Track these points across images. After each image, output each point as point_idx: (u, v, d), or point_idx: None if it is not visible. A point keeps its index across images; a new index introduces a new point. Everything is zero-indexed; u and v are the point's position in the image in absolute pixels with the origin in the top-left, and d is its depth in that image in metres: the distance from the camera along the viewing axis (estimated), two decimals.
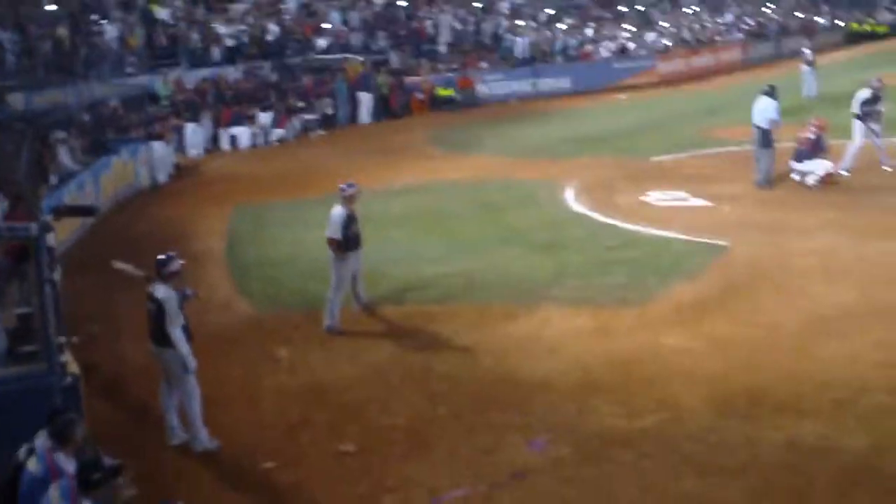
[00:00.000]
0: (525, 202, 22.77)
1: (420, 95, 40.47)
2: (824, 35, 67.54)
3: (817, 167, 22.40)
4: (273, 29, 41.10)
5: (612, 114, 38.29)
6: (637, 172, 25.36)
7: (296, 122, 35.40)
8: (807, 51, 40.54)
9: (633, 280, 16.32)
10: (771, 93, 23.02)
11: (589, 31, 52.24)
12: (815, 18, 70.23)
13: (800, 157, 22.66)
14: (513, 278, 16.97)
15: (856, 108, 23.84)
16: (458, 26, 48.20)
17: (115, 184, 25.87)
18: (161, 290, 11.69)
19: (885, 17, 76.64)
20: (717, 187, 22.87)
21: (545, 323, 14.78)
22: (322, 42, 42.03)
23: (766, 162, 22.59)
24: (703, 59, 53.75)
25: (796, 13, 69.29)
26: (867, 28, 72.99)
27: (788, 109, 31.60)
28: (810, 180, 22.34)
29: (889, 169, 23.73)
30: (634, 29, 54.41)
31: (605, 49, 50.15)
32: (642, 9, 59.57)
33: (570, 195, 23.05)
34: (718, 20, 61.38)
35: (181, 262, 12.02)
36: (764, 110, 22.63)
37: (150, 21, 38.21)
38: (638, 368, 12.91)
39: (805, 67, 38.97)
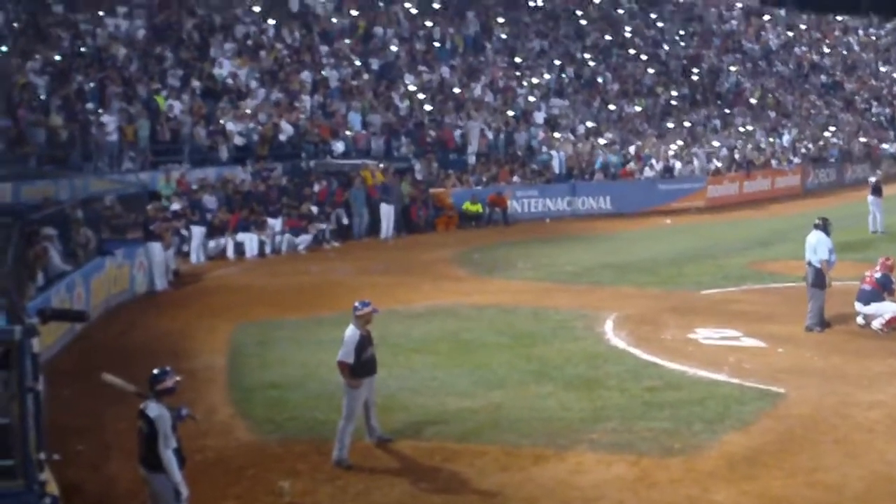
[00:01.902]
0: (559, 333, 22.83)
1: (449, 213, 40.96)
2: (891, 162, 67.99)
3: (884, 310, 22.44)
4: (287, 128, 41.70)
5: (657, 239, 38.56)
6: (684, 306, 25.52)
7: (308, 232, 35.68)
8: (873, 179, 40.74)
9: (678, 426, 16.27)
10: (824, 227, 23.09)
11: (632, 148, 52.75)
12: (882, 144, 70.72)
13: (865, 298, 22.71)
14: (544, 417, 16.94)
15: None
16: (490, 135, 48.74)
17: (108, 288, 26.07)
18: (154, 409, 11.72)
19: None
20: (771, 327, 22.94)
21: (579, 469, 14.71)
22: (339, 145, 42.61)
23: (818, 303, 22.67)
24: (756, 184, 54.12)
25: (861, 138, 69.78)
26: None
27: (854, 245, 31.96)
28: (876, 325, 22.38)
29: None
30: (682, 147, 54.89)
31: (650, 168, 50.58)
32: (690, 125, 60.12)
33: (609, 327, 23.15)
34: (775, 142, 61.90)
35: (177, 378, 12.07)
36: (815, 246, 22.76)
37: (153, 113, 38.77)
38: None
39: (871, 198, 39.16)
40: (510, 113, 52.20)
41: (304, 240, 35.36)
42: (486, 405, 17.51)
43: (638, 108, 59.94)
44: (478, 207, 41.92)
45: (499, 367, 20.06)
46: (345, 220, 37.80)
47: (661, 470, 14.56)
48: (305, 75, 46.47)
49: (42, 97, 37.29)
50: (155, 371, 11.96)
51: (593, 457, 15.12)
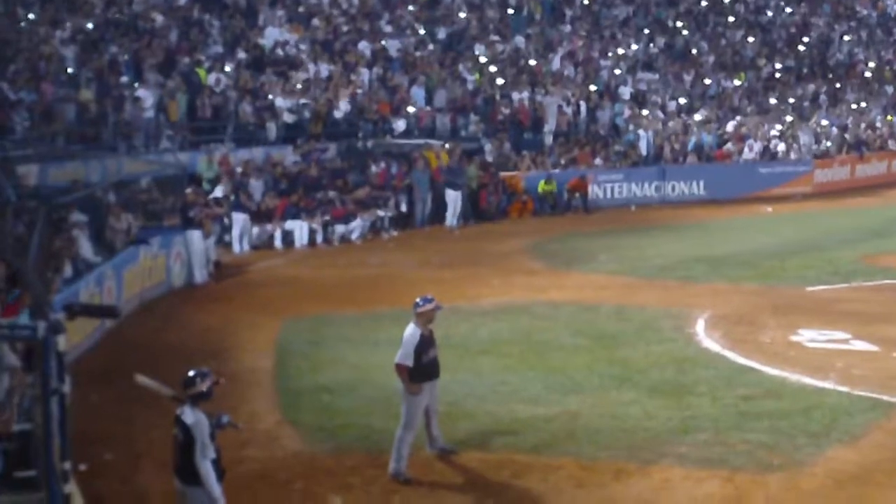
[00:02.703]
0: (644, 334, 22.76)
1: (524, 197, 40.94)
2: None
3: None
4: (342, 104, 41.85)
5: (756, 230, 38.29)
6: (786, 304, 25.33)
7: (365, 219, 35.81)
8: None
9: (778, 439, 16.14)
10: None
11: (730, 127, 52.34)
12: None
13: None
14: (626, 427, 16.89)
15: None
16: (569, 112, 48.58)
17: (143, 281, 26.32)
18: (190, 415, 11.77)
19: None
20: (885, 328, 22.75)
21: (665, 486, 14.65)
22: (400, 123, 42.69)
23: None
24: (871, 168, 53.56)
25: None
26: None
27: None
28: None
29: None
30: (786, 126, 54.41)
31: (750, 149, 50.18)
32: (796, 102, 59.56)
33: (700, 328, 23.05)
34: (893, 120, 61.17)
35: (215, 380, 12.11)
36: None
37: (194, 87, 39.04)
38: None
39: None
40: (592, 88, 52.00)
41: (356, 227, 35.36)
42: (561, 413, 17.49)
43: (737, 83, 59.49)
44: (552, 187, 41.86)
45: (576, 371, 20.01)
46: (404, 207, 37.90)
47: (759, 488, 14.45)
48: (363, 46, 46.60)
49: (71, 70, 37.59)
50: (190, 372, 12.01)
51: (681, 472, 15.04)
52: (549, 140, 46.51)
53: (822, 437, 16.17)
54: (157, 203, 30.74)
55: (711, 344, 21.78)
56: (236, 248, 32.80)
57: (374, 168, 38.61)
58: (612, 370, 19.98)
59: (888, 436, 16.33)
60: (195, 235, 28.81)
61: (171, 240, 28.36)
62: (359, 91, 43.39)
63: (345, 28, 47.75)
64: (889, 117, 60.34)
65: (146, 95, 37.06)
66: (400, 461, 15.07)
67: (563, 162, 44.37)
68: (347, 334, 22.83)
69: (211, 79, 39.77)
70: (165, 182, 32.12)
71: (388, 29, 49.18)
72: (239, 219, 33.08)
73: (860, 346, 21.55)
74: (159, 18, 42.32)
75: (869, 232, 36.72)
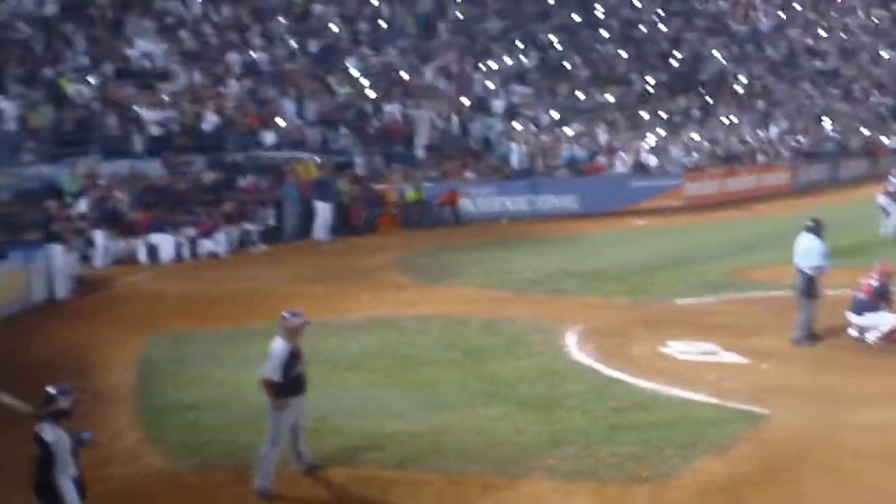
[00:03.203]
0: (514, 348, 22.83)
1: (391, 211, 40.95)
2: (892, 159, 68.37)
3: (880, 322, 22.63)
4: (210, 117, 41.51)
5: (627, 243, 38.67)
6: (656, 317, 25.58)
7: (233, 234, 35.52)
8: (894, 179, 40.89)
9: (647, 451, 16.28)
10: (816, 229, 23.17)
11: (602, 141, 52.85)
12: (882, 138, 71.17)
13: (859, 308, 22.90)
14: (495, 441, 16.92)
15: None
16: (441, 126, 48.70)
17: (2, 296, 25.82)
18: (49, 432, 11.60)
19: None
20: (754, 340, 23.07)
21: (534, 499, 14.72)
22: (270, 136, 42.43)
23: (807, 314, 22.79)
24: (741, 182, 54.43)
25: (861, 129, 70.20)
26: None
27: (850, 250, 32.16)
28: (871, 337, 22.57)
29: None
30: (658, 140, 55.06)
31: (621, 163, 50.70)
32: (668, 116, 60.31)
33: (571, 341, 23.16)
34: (762, 134, 62.21)
35: (76, 397, 11.94)
36: (807, 252, 22.87)
37: (58, 98, 38.45)
38: None
39: (883, 199, 39.41)
40: (465, 101, 52.23)
41: (224, 241, 34.91)
42: (430, 429, 17.48)
43: (609, 97, 60.11)
44: (419, 195, 41.93)
45: (445, 385, 20.05)
46: (274, 221, 37.67)
47: (626, 500, 14.60)
48: (233, 57, 46.28)
49: None
50: (50, 389, 11.82)
51: (550, 485, 15.12)
52: (420, 153, 46.57)
53: (690, 449, 16.33)
54: (17, 217, 30.27)
55: (581, 357, 21.91)
56: (98, 262, 32.31)
57: (242, 181, 38.37)
58: (482, 384, 20.01)
59: (756, 447, 16.54)
60: (57, 250, 28.38)
61: (33, 254, 27.89)
62: (228, 103, 43.12)
63: (214, 40, 47.37)
64: (758, 132, 61.40)
65: (7, 107, 36.48)
66: (265, 477, 14.97)
67: (434, 175, 44.45)
68: (215, 351, 22.63)
69: (75, 90, 39.21)
70: (27, 195, 31.68)
71: (259, 41, 48.91)
72: (101, 232, 32.62)
73: (729, 358, 21.82)
74: (24, 28, 41.66)
75: (738, 245, 37.25)
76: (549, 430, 17.32)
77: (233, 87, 44.47)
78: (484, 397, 19.22)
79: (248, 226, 36.30)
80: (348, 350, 22.35)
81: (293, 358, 15.24)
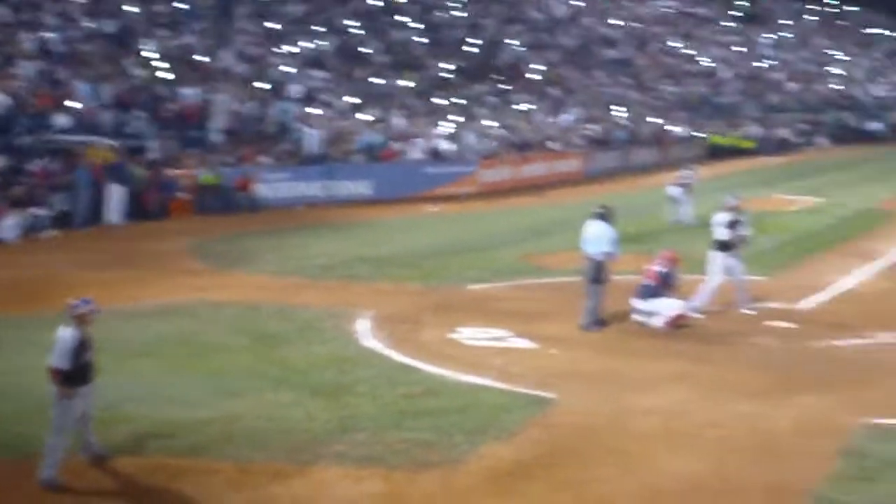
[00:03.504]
0: (306, 334, 22.70)
1: (182, 195, 40.40)
2: (680, 147, 70.19)
3: (665, 307, 23.10)
4: (0, 99, 40.40)
5: (421, 229, 38.90)
6: (447, 303, 25.72)
7: (21, 218, 34.64)
8: (687, 171, 41.73)
9: (436, 437, 16.29)
10: (606, 216, 23.49)
11: (398, 127, 52.94)
12: (670, 127, 72.81)
13: (644, 294, 23.32)
14: (285, 428, 16.75)
15: (719, 234, 24.70)
16: (238, 110, 48.26)
17: None
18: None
19: (751, 130, 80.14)
20: (543, 326, 23.33)
21: (323, 487, 14.62)
22: (63, 119, 41.49)
23: (595, 300, 23.11)
24: (534, 168, 55.08)
25: (649, 119, 71.68)
26: (731, 141, 76.23)
27: (638, 236, 32.89)
28: (656, 323, 22.99)
29: (749, 312, 24.66)
30: (453, 127, 55.36)
31: (417, 149, 50.85)
32: (464, 102, 60.66)
33: (362, 327, 23.12)
34: (556, 122, 63.02)
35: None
36: (596, 238, 23.18)
37: None
38: None
39: (674, 189, 40.24)
40: (262, 85, 51.83)
41: (12, 226, 34.08)
42: (220, 416, 17.25)
43: (406, 83, 60.25)
44: (215, 179, 41.56)
45: (236, 372, 19.80)
46: (65, 206, 36.86)
47: (414, 486, 14.56)
48: (25, 37, 45.14)
49: None
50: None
51: (339, 471, 15.03)
52: (216, 138, 46.07)
53: (479, 434, 16.40)
54: None
55: (373, 343, 21.87)
56: None
57: (32, 165, 37.48)
58: (273, 371, 19.82)
59: (544, 431, 16.70)
60: None
61: None
62: (19, 84, 42.07)
63: (6, 18, 46.18)
64: (552, 119, 62.14)
65: None
66: (52, 467, 14.58)
67: (230, 160, 44.02)
68: (1, 338, 22.05)
69: None
70: None
71: (53, 21, 47.82)
72: None
73: (519, 343, 22.01)
74: None
75: (530, 231, 37.72)
76: (339, 417, 17.23)
77: (24, 67, 43.40)
78: (274, 384, 19.03)
79: (38, 211, 35.46)
80: (140, 337, 21.89)
81: (82, 346, 14.88)
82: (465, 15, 73.90)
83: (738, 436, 16.62)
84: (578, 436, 16.55)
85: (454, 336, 22.47)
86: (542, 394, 18.41)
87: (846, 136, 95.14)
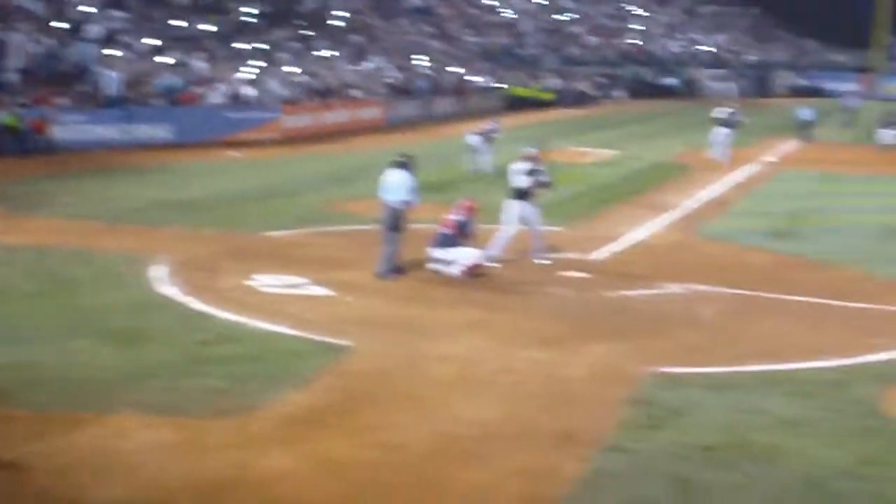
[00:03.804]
0: (102, 280, 22.39)
1: None
2: (481, 98, 70.79)
3: (462, 256, 23.34)
4: None
5: (223, 175, 38.62)
6: (245, 250, 25.65)
7: None
8: (493, 124, 42.06)
9: (232, 385, 16.26)
10: (406, 164, 23.59)
11: (200, 69, 52.29)
12: (471, 77, 73.30)
13: (442, 242, 23.52)
14: (81, 376, 16.50)
15: (517, 182, 25.01)
16: (35, 50, 47.10)
17: None
18: None
19: (551, 82, 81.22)
20: (342, 273, 23.41)
21: (120, 434, 14.47)
22: None
23: (392, 248, 23.28)
24: (336, 116, 55.02)
25: (450, 68, 72.03)
26: (531, 93, 77.15)
27: (436, 185, 33.13)
28: (453, 271, 23.24)
29: (544, 262, 25.08)
30: (256, 72, 54.89)
31: (218, 94, 50.33)
32: (266, 48, 60.17)
33: (159, 273, 22.89)
34: (358, 69, 62.94)
35: None
36: (396, 186, 23.28)
37: None
38: (230, 496, 12.83)
39: (474, 139, 40.57)
40: (60, 25, 50.64)
41: None
42: (15, 363, 16.91)
43: (208, 27, 59.48)
44: (15, 120, 40.53)
45: (30, 318, 19.41)
46: None
47: (210, 433, 14.51)
48: None
49: None
50: None
51: (137, 420, 14.86)
52: (13, 78, 44.95)
53: (274, 382, 16.40)
54: None
55: (170, 290, 21.65)
56: None
57: None
58: (67, 318, 19.46)
59: (339, 378, 16.78)
60: None
61: None
62: None
63: None
64: (354, 66, 61.95)
65: None
66: None
67: (26, 101, 43.00)
68: None
69: None
70: None
71: None
72: None
73: (316, 290, 22.05)
74: None
75: (332, 178, 37.77)
76: (135, 364, 17.05)
77: None
78: (70, 330, 18.71)
79: None
80: None
81: None
82: None
83: (532, 383, 16.92)
84: (374, 383, 16.65)
85: (251, 283, 22.39)
86: (338, 341, 18.47)
87: (643, 90, 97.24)
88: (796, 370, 18.06)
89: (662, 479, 13.46)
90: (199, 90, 49.90)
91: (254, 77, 53.95)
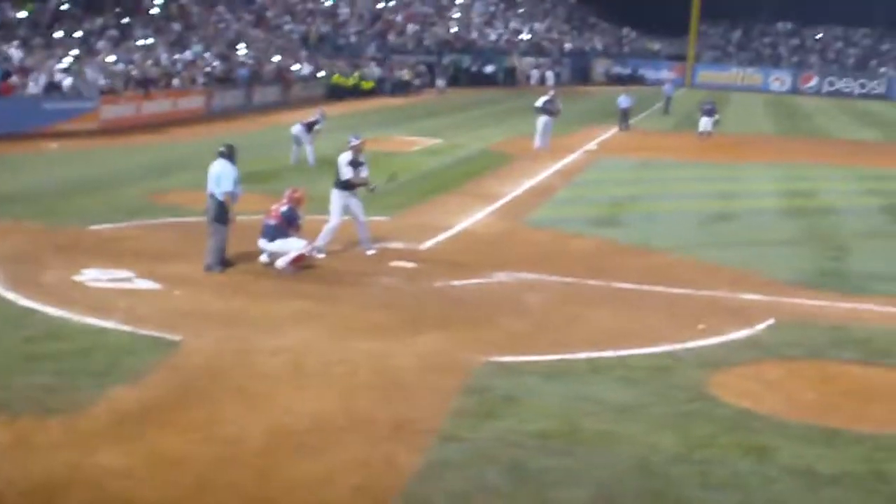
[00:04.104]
0: None
1: None
2: (303, 87, 70.59)
3: (290, 247, 23.26)
4: None
5: (42, 167, 37.82)
6: (70, 243, 25.14)
7: None
8: (319, 116, 41.82)
9: (62, 382, 15.97)
10: (229, 155, 23.40)
11: (15, 58, 51.11)
12: (293, 66, 73.01)
13: (269, 234, 23.41)
14: None
15: (342, 173, 25.00)
16: None
17: None
18: None
19: (373, 71, 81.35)
20: (170, 267, 23.14)
21: None
22: None
23: (219, 240, 23.10)
24: (157, 105, 54.33)
25: (274, 58, 71.64)
26: (352, 82, 77.21)
27: (261, 175, 32.97)
28: (281, 263, 23.15)
29: (372, 252, 25.14)
30: (72, 60, 53.81)
31: (34, 83, 49.26)
32: (83, 35, 59.04)
33: None
34: (178, 58, 62.17)
35: None
36: (219, 176, 23.08)
37: None
38: (61, 497, 12.62)
39: (298, 128, 40.38)
40: None
41: None
42: None
43: (25, 14, 58.17)
44: None
45: None
46: None
47: (40, 432, 14.23)
48: None
49: None
50: None
51: None
52: None
53: (104, 378, 16.16)
54: None
55: None
56: None
57: None
58: None
59: (170, 373, 16.63)
60: None
61: None
62: None
63: None
64: (174, 55, 61.28)
65: None
66: None
67: None
68: None
69: None
70: None
71: None
72: None
73: (143, 284, 21.77)
74: None
75: (154, 169, 37.28)
76: None
77: None
78: None
79: None
80: None
81: None
82: None
83: (365, 374, 16.98)
84: (205, 377, 16.55)
85: (77, 278, 21.99)
86: (168, 336, 18.30)
87: (463, 78, 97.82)
88: (625, 357, 18.47)
89: (498, 466, 13.65)
90: (14, 80, 48.71)
91: (70, 66, 52.86)
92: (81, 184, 33.55)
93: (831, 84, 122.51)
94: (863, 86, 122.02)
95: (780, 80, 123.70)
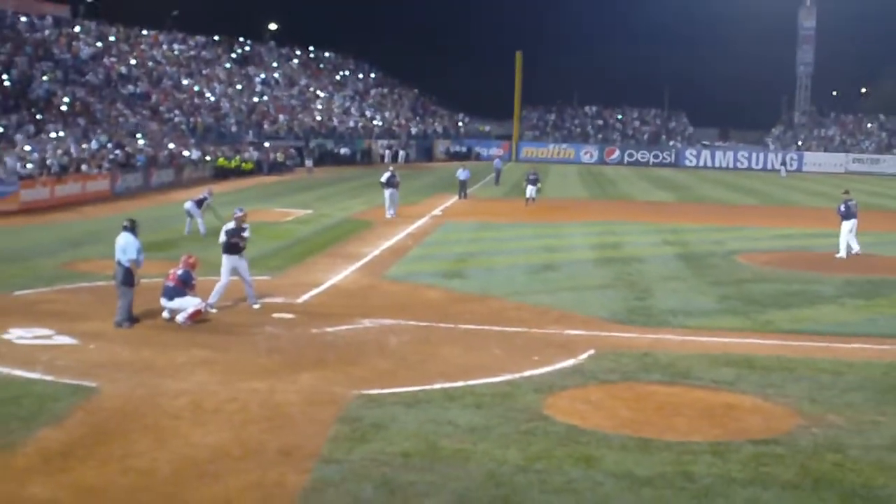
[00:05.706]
0: None
1: None
2: (193, 169, 70.19)
3: (187, 304, 23.11)
4: None
5: None
6: None
7: None
8: (207, 194, 41.34)
9: None
10: (132, 228, 23.19)
11: None
12: (184, 152, 72.59)
13: (169, 293, 23.27)
14: None
15: (226, 240, 24.94)
16: None
17: None
18: None
19: (251, 154, 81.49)
20: (84, 324, 22.75)
21: None
22: None
23: (126, 300, 22.80)
24: (68, 188, 53.45)
25: (168, 146, 71.21)
26: (234, 164, 77.06)
27: (160, 244, 32.60)
28: (180, 318, 22.95)
29: (257, 306, 25.02)
30: None
31: None
32: (2, 130, 58.00)
33: None
34: (85, 147, 61.33)
35: None
36: (125, 246, 22.86)
37: None
38: None
39: (190, 204, 40.03)
40: None
41: None
42: None
43: None
44: None
45: None
46: None
47: None
48: None
49: None
50: None
51: None
52: None
53: (31, 421, 15.83)
54: None
55: None
56: None
57: None
58: None
59: (88, 415, 16.31)
60: None
61: None
62: None
63: None
64: (82, 145, 60.41)
65: None
66: None
67: None
68: None
69: None
70: None
71: None
72: None
73: (62, 340, 21.32)
74: None
75: (68, 243, 36.64)
76: None
77: None
78: None
79: None
80: None
81: None
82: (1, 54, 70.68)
83: (255, 409, 16.83)
84: (119, 417, 16.27)
85: (4, 336, 21.43)
86: (86, 383, 17.99)
87: (326, 158, 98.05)
88: (473, 385, 18.56)
89: (371, 482, 13.63)
90: None
91: None
92: (5, 256, 32.78)
93: (630, 156, 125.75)
94: (656, 156, 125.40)
95: (589, 153, 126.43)
